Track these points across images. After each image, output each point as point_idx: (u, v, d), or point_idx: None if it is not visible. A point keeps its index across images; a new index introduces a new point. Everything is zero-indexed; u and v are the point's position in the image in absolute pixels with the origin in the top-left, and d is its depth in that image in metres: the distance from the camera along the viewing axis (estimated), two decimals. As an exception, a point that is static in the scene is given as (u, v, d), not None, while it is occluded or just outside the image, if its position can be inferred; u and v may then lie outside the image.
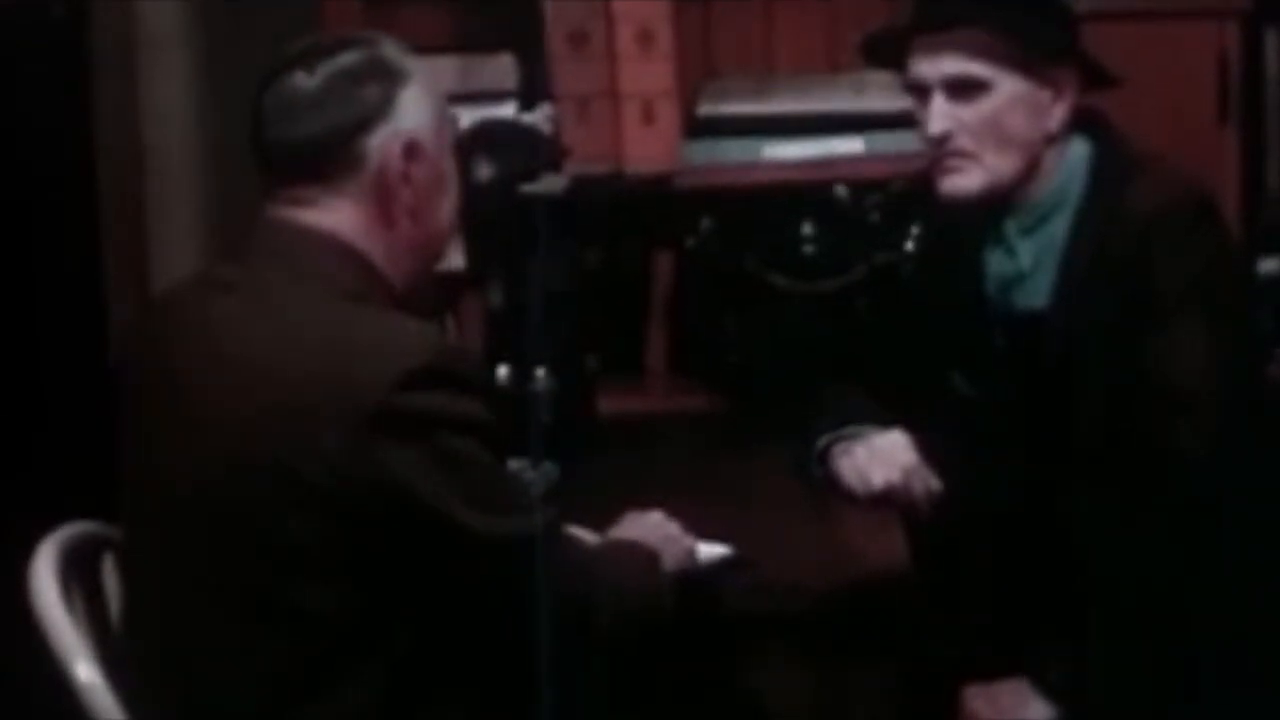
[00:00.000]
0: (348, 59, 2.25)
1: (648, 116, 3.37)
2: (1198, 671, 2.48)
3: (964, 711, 2.57)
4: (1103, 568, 2.51)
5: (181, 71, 3.93)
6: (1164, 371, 2.51)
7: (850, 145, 3.40)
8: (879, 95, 3.41)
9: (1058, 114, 2.61)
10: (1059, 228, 2.62)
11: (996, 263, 2.68)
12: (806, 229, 3.46)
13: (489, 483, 2.16)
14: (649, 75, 3.37)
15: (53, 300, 3.79)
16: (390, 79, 2.25)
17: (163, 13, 3.91)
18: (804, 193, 3.44)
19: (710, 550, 2.59)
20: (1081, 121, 2.65)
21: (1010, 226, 2.65)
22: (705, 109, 3.47)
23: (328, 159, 2.22)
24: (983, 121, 2.59)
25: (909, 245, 3.41)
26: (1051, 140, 2.62)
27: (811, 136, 3.41)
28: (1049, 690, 2.52)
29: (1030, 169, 2.62)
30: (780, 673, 2.60)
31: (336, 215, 2.23)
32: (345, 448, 2.08)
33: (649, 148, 3.37)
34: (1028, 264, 2.64)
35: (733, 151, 3.43)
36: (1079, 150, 2.64)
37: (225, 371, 2.17)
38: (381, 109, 2.23)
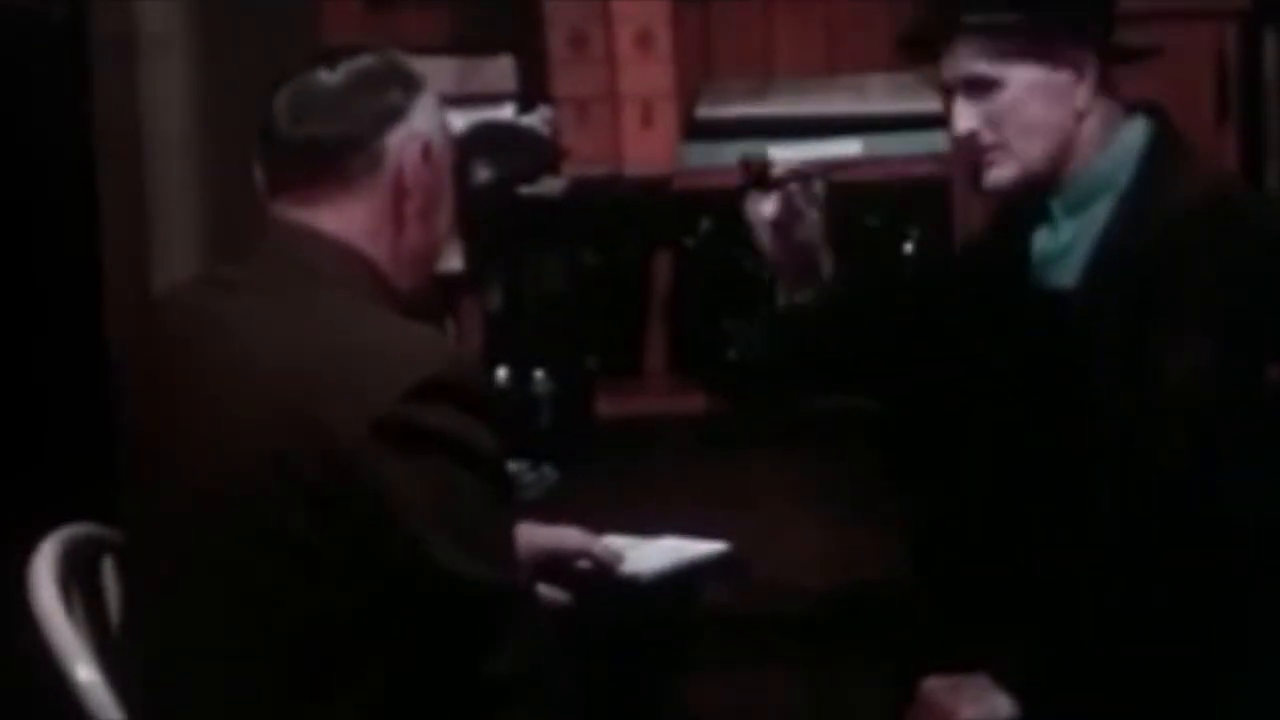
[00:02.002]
0: (368, 61, 2.26)
1: (647, 118, 3.36)
2: (1170, 673, 2.48)
3: (925, 705, 2.52)
4: (1078, 563, 2.51)
5: (181, 71, 3.93)
6: (1161, 372, 2.52)
7: (849, 147, 3.40)
8: (878, 97, 3.41)
9: (1082, 93, 2.62)
10: (1102, 209, 2.63)
11: (1041, 240, 2.70)
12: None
13: (478, 524, 2.13)
14: (648, 77, 3.36)
15: (52, 300, 3.79)
16: (408, 83, 2.27)
17: (163, 12, 3.92)
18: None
19: (701, 547, 2.59)
20: (1141, 109, 2.67)
21: (1056, 205, 2.67)
22: (704, 111, 3.46)
23: (348, 156, 2.22)
24: (1001, 113, 2.62)
25: (908, 247, 3.42)
26: (1082, 117, 2.63)
27: (810, 138, 3.41)
28: (1009, 685, 2.49)
29: (1065, 150, 2.64)
30: (780, 673, 2.60)
31: (347, 216, 2.23)
32: (347, 449, 2.07)
33: (648, 149, 3.37)
34: (1066, 241, 2.66)
35: (732, 153, 3.43)
36: (1134, 136, 2.66)
37: (232, 371, 2.16)
38: (402, 111, 2.24)
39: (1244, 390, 2.54)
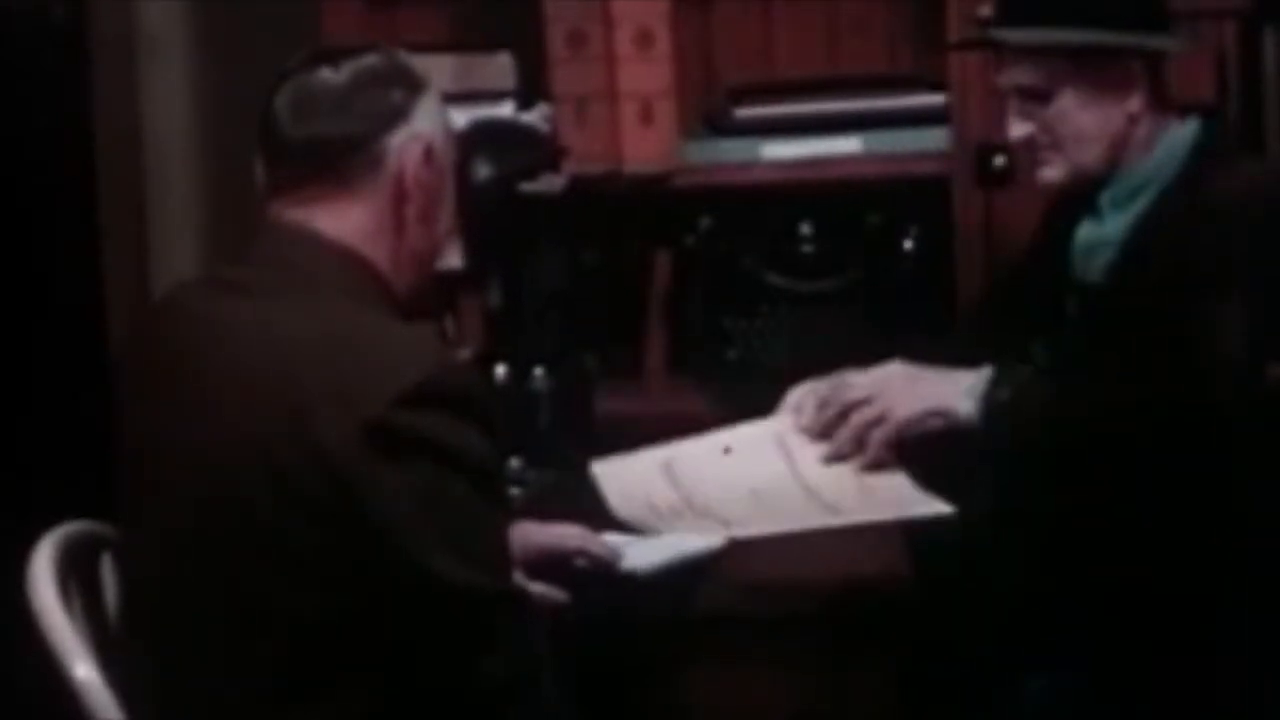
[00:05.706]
0: (371, 61, 2.25)
1: (646, 116, 3.37)
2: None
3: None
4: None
5: (181, 71, 3.94)
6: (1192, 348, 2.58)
7: (848, 145, 3.40)
8: (877, 95, 3.41)
9: (1135, 100, 2.70)
10: (1145, 204, 2.71)
11: (1085, 231, 2.77)
12: (805, 228, 3.46)
13: (469, 530, 2.12)
14: (647, 75, 3.37)
15: (52, 300, 3.80)
16: (411, 84, 2.26)
17: (162, 12, 3.93)
18: (803, 192, 3.44)
19: (699, 542, 2.58)
20: (1195, 109, 2.75)
21: (1104, 198, 2.74)
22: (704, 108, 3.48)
23: (350, 157, 2.22)
24: (1055, 121, 2.71)
25: (908, 245, 3.42)
26: (1136, 120, 2.71)
27: (810, 136, 3.41)
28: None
29: (1118, 150, 2.72)
30: (780, 673, 2.60)
31: (347, 217, 2.23)
32: (337, 456, 2.07)
33: (647, 147, 3.37)
34: (1112, 235, 2.72)
35: (731, 151, 3.43)
36: (1183, 135, 2.72)
37: (228, 373, 2.16)
38: (404, 112, 2.24)
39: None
